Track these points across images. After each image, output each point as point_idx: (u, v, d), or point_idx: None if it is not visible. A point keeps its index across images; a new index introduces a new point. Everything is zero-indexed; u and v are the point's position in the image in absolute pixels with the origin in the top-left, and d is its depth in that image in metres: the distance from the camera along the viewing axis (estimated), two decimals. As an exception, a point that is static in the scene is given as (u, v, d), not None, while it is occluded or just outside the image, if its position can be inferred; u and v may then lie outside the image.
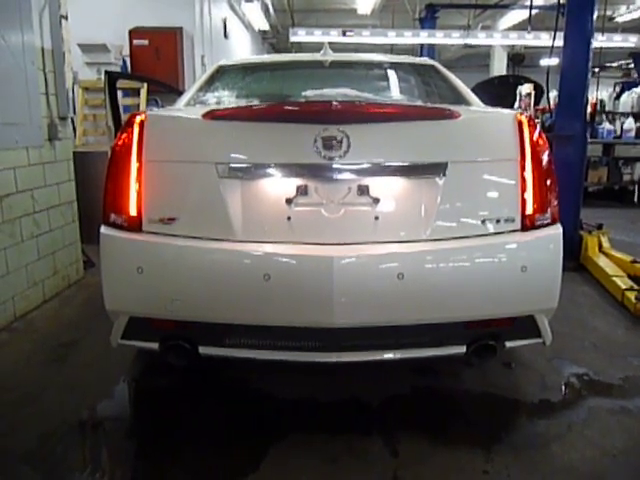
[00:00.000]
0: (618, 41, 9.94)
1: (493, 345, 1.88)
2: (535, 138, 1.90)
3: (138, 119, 1.88)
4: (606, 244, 4.31)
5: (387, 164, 1.81)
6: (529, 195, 1.86)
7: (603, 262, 3.94)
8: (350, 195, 1.81)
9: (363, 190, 1.81)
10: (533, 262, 1.83)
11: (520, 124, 1.90)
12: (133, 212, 1.84)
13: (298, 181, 1.81)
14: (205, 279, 1.77)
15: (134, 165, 1.84)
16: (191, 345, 1.86)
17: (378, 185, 1.81)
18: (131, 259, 1.81)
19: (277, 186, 1.82)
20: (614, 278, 3.57)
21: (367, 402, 2.20)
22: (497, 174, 1.87)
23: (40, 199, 3.30)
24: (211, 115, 1.84)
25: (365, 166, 1.80)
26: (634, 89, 8.09)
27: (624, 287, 3.39)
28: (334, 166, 1.78)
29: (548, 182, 1.90)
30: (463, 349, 1.88)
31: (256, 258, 1.77)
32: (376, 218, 1.82)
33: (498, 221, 1.84)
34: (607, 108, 8.05)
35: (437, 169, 1.82)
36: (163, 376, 2.42)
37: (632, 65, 13.17)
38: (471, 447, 1.92)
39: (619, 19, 13.10)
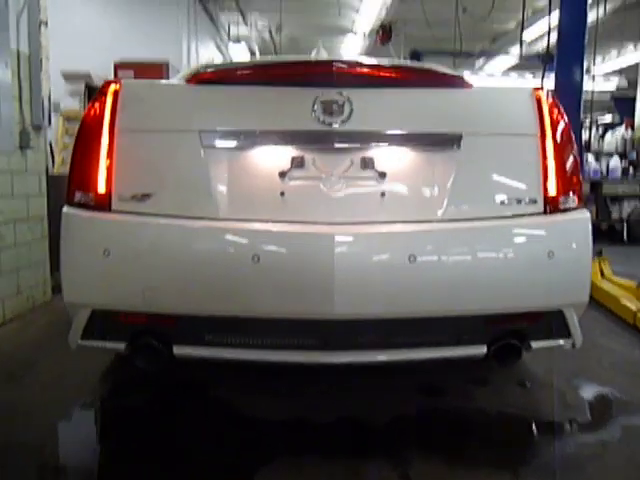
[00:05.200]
0: (600, 83, 10.24)
1: (517, 345, 1.63)
2: (556, 115, 1.72)
3: (112, 88, 1.67)
4: (607, 270, 4.15)
5: (394, 133, 1.60)
6: (552, 175, 1.67)
7: (608, 287, 3.75)
8: (352, 168, 1.59)
9: (367, 163, 1.59)
10: (560, 249, 1.61)
11: (539, 100, 1.72)
12: (102, 189, 1.60)
13: (293, 151, 1.59)
14: (183, 263, 1.52)
15: (105, 136, 1.62)
16: (164, 344, 1.58)
17: (384, 157, 1.60)
18: (96, 241, 1.56)
19: (269, 157, 1.61)
20: (624, 301, 3.37)
21: (372, 423, 1.90)
22: (517, 150, 1.69)
23: (5, 210, 3.03)
24: (196, 79, 1.64)
25: (369, 135, 1.59)
26: (617, 128, 8.20)
27: (635, 309, 3.19)
28: (334, 134, 1.57)
29: (572, 162, 1.71)
30: (483, 349, 1.63)
31: (244, 239, 1.53)
32: (382, 195, 1.60)
33: (519, 202, 1.64)
34: (592, 148, 8.12)
35: (450, 141, 1.62)
36: (133, 395, 2.10)
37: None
38: (494, 469, 1.63)
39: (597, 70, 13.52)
